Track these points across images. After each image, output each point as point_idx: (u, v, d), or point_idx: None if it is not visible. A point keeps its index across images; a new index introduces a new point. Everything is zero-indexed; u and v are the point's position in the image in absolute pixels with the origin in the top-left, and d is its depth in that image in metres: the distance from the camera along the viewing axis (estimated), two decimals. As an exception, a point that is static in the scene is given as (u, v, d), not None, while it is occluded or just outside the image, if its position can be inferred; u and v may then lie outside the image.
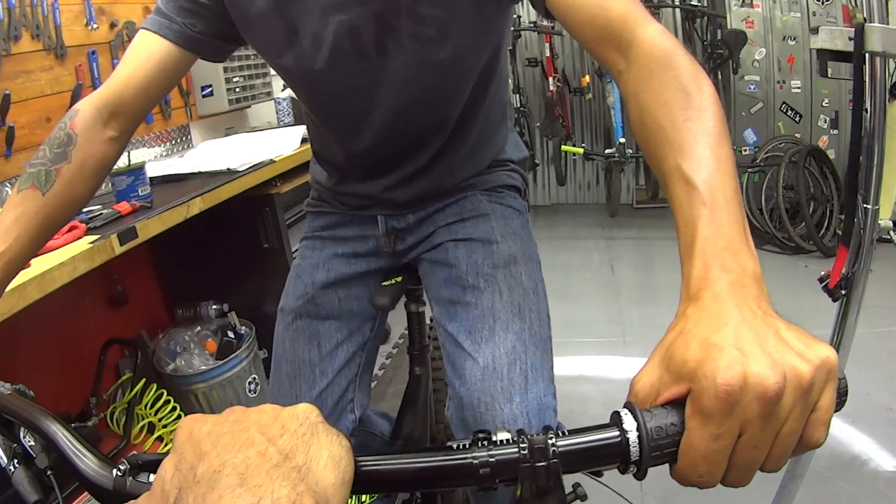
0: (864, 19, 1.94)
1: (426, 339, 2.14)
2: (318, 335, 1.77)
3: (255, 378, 3.36)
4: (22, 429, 1.00)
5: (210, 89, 3.97)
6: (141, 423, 3.04)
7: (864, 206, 2.09)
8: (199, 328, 3.37)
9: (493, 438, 0.69)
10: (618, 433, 0.66)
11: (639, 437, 0.65)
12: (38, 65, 3.01)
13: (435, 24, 1.41)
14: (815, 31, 2.11)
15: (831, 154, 6.40)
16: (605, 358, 4.34)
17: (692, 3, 6.54)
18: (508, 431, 0.70)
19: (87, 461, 0.79)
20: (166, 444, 3.05)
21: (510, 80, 6.64)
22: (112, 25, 3.41)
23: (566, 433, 0.68)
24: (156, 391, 3.10)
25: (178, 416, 3.14)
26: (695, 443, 0.64)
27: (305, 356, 1.76)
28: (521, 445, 0.67)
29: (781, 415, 0.63)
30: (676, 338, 0.70)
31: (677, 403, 0.67)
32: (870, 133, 2.03)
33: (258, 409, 0.63)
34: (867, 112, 2.04)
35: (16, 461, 0.98)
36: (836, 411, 0.67)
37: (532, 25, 6.64)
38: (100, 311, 3.26)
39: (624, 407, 0.68)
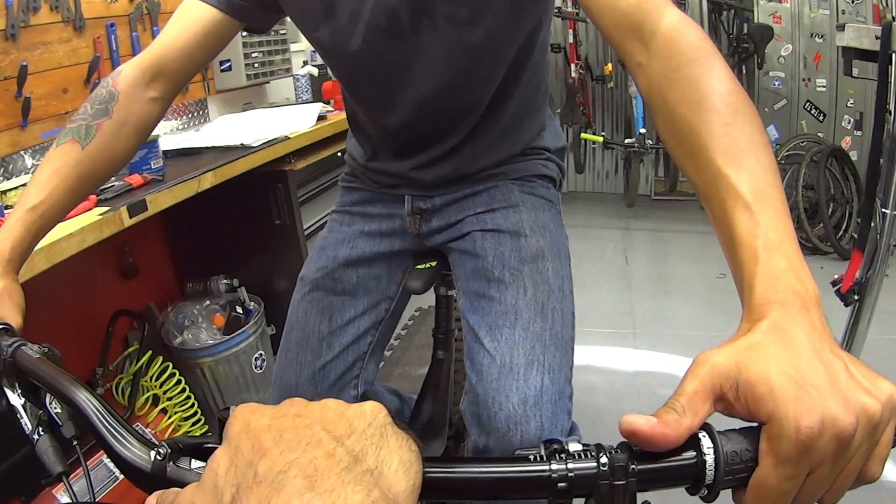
0: (893, 18, 1.91)
1: (452, 324, 2.13)
2: (331, 308, 1.79)
3: (261, 354, 3.37)
4: (47, 394, 0.97)
5: (228, 64, 3.96)
6: (146, 395, 3.05)
7: (883, 210, 2.06)
8: (207, 302, 3.37)
9: (569, 450, 0.67)
10: (695, 455, 0.65)
11: (715, 461, 0.64)
12: (56, 36, 3.00)
13: (469, 5, 1.40)
14: (841, 28, 2.09)
15: (854, 155, 6.35)
16: (614, 349, 4.33)
17: (719, -5, 6.50)
18: (579, 442, 0.68)
19: (122, 440, 0.75)
20: (170, 417, 3.07)
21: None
22: (131, -1, 3.40)
23: (641, 451, 0.66)
24: (161, 363, 3.12)
25: (183, 390, 3.17)
26: (767, 481, 0.63)
27: (315, 327, 1.78)
28: (601, 461, 0.65)
29: (850, 453, 0.63)
30: (754, 349, 0.68)
31: (752, 429, 0.66)
32: (892, 136, 2.00)
33: (321, 405, 0.60)
34: (890, 114, 2.01)
35: (41, 429, 0.95)
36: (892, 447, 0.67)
37: (556, 11, 6.60)
38: (110, 282, 3.26)
39: (701, 429, 0.67)
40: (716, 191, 0.85)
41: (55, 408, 0.97)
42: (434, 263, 1.87)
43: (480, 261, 1.66)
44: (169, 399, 3.10)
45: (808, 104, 6.93)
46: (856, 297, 2.17)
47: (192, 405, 3.20)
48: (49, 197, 1.27)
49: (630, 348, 4.32)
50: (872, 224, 2.12)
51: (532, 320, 1.53)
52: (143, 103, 1.45)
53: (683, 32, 1.01)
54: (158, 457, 0.70)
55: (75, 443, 0.96)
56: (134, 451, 0.73)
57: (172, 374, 3.15)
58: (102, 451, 0.76)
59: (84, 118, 1.37)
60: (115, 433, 0.76)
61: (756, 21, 6.56)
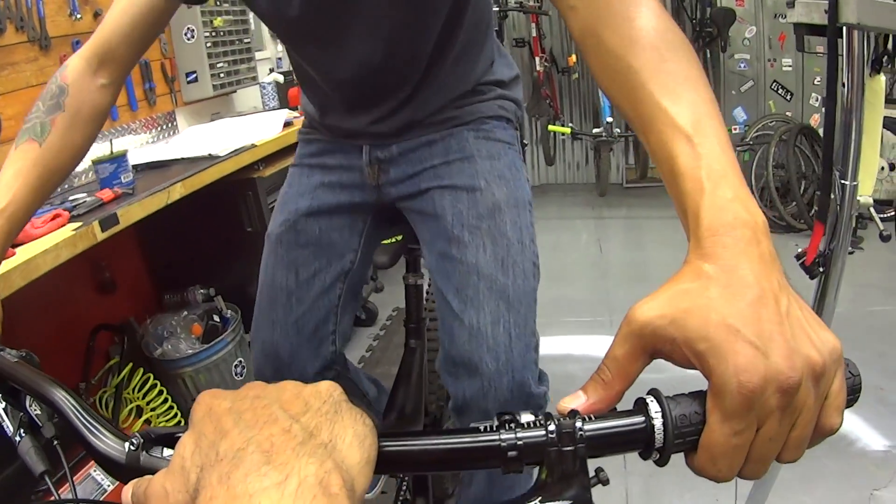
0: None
1: (423, 312, 2.18)
2: (296, 262, 1.80)
3: (241, 361, 3.40)
4: (28, 397, 0.98)
5: (195, 75, 3.99)
6: (129, 407, 3.07)
7: (842, 181, 2.09)
8: (185, 313, 3.39)
9: (520, 420, 0.68)
10: (643, 419, 0.66)
11: (664, 423, 0.65)
12: (23, 56, 3.02)
13: None
14: (791, 4, 2.11)
15: (822, 132, 6.40)
16: (592, 337, 4.36)
17: (681, -20, 6.53)
18: (533, 413, 0.68)
19: (98, 434, 0.77)
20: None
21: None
22: (96, 15, 3.41)
23: (592, 418, 0.67)
24: (142, 375, 3.13)
25: (166, 400, 3.18)
26: (715, 438, 0.63)
27: (283, 282, 1.80)
28: (549, 429, 0.66)
29: (798, 405, 0.63)
30: (695, 298, 0.66)
31: (700, 392, 0.67)
32: (847, 108, 2.03)
33: (278, 387, 0.62)
34: (844, 86, 2.04)
35: (22, 430, 0.96)
36: (848, 406, 0.68)
37: (518, 5, 6.61)
38: (89, 297, 3.29)
39: (648, 393, 0.68)
40: (655, 124, 0.83)
41: (35, 410, 0.98)
42: (399, 237, 1.89)
43: (440, 220, 1.69)
44: (152, 410, 3.12)
45: (774, 84, 6.98)
46: (821, 269, 2.19)
47: (176, 415, 3.21)
48: (14, 199, 1.27)
49: (607, 336, 4.21)
50: (833, 196, 2.15)
51: (494, 278, 1.58)
52: (94, 91, 1.45)
53: None
54: (132, 447, 0.72)
55: (56, 443, 0.96)
56: (108, 444, 0.75)
57: (154, 385, 3.16)
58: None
59: (38, 116, 1.38)
60: (91, 427, 0.78)
61: (718, 4, 6.60)
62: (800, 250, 2.21)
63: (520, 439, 0.66)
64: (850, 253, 2.25)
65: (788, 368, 0.61)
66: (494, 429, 0.68)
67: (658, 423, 0.65)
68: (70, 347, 3.03)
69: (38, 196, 1.33)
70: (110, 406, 3.01)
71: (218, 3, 4.05)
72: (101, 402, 3.04)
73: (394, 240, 1.89)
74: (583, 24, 0.98)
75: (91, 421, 0.78)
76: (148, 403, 3.12)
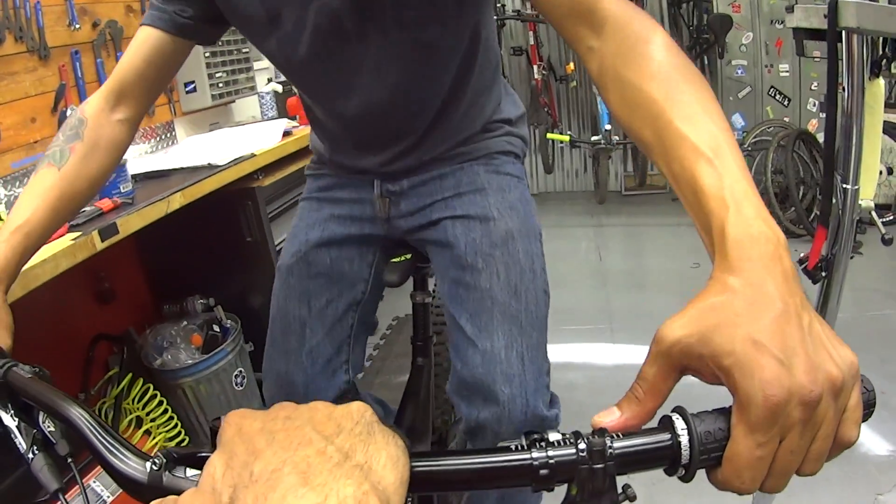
0: (836, -5, 1.95)
1: (430, 331, 2.17)
2: (308, 293, 1.83)
3: (241, 371, 3.39)
4: (41, 413, 0.97)
5: (193, 85, 3.99)
6: (129, 418, 3.06)
7: (844, 186, 2.09)
8: (185, 323, 3.39)
9: (548, 439, 0.69)
10: (669, 437, 0.68)
11: (689, 440, 0.67)
12: (22, 66, 3.03)
13: (415, 7, 1.44)
14: (790, 9, 2.12)
15: (821, 138, 6.39)
16: (593, 345, 4.37)
17: (677, -12, 6.55)
18: (559, 432, 0.70)
19: (118, 453, 0.76)
20: (154, 438, 3.07)
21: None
22: (94, 25, 3.42)
23: (620, 435, 0.69)
24: (142, 386, 3.13)
25: (166, 410, 3.17)
26: (740, 450, 0.65)
27: (296, 313, 1.82)
28: (580, 447, 0.67)
29: (818, 419, 0.65)
30: (721, 313, 0.69)
31: (724, 409, 0.69)
32: (847, 112, 2.03)
33: (309, 407, 0.63)
34: (844, 90, 2.04)
35: (35, 447, 0.95)
36: (864, 420, 0.70)
37: (516, 14, 6.63)
38: (88, 308, 3.28)
39: (673, 411, 0.70)
40: (677, 150, 0.86)
41: (48, 426, 0.97)
42: (409, 256, 1.91)
43: (454, 249, 1.71)
44: (152, 420, 3.11)
45: (772, 90, 6.99)
46: (823, 274, 2.19)
47: (176, 425, 3.20)
48: (33, 217, 1.30)
49: (608, 343, 4.35)
50: (834, 200, 2.15)
51: (507, 304, 1.61)
52: (111, 125, 1.50)
53: (632, 15, 1.04)
54: (154, 467, 0.72)
55: (70, 460, 0.95)
56: (130, 464, 0.75)
57: (154, 396, 3.15)
58: (98, 469, 0.77)
59: (58, 144, 1.43)
60: (110, 446, 0.77)
61: (715, 11, 6.61)
62: (802, 255, 2.21)
63: (551, 458, 0.67)
64: (851, 258, 2.25)
65: (810, 383, 0.64)
66: (525, 447, 0.69)
67: (684, 440, 0.67)
68: (69, 357, 3.03)
69: (55, 218, 1.37)
70: (110, 417, 3.00)
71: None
72: (101, 412, 3.03)
73: (402, 258, 1.91)
74: (601, 62, 1.05)
75: (110, 440, 0.78)
76: (148, 414, 3.11)
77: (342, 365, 1.86)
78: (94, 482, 2.44)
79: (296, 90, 1.82)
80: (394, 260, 1.92)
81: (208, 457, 0.58)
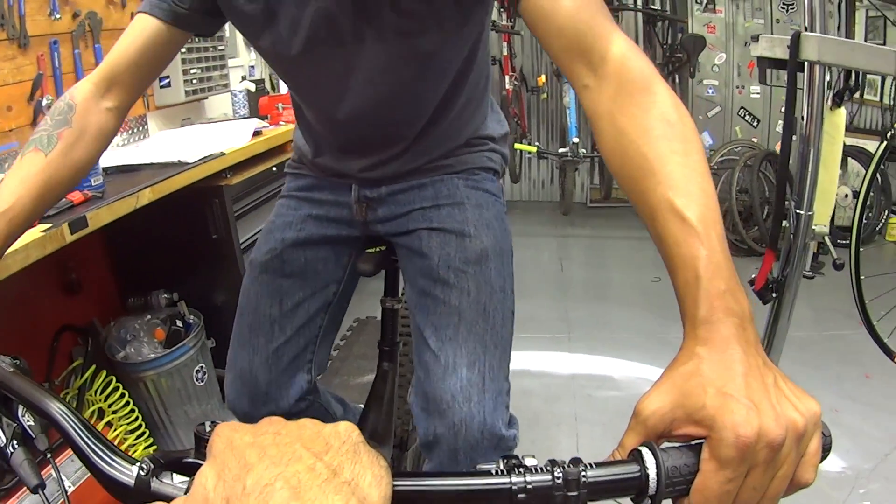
0: (805, 28, 2.01)
1: (397, 336, 2.19)
2: (280, 291, 1.84)
3: (202, 367, 3.40)
4: (21, 407, 0.96)
5: (168, 80, 3.99)
6: (91, 409, 3.06)
7: (797, 211, 2.15)
8: (148, 317, 3.39)
9: (525, 464, 0.73)
10: (638, 469, 0.73)
11: (657, 474, 0.72)
12: (1, 54, 3.02)
13: (416, 17, 1.44)
14: (755, 38, 2.18)
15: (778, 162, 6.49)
16: (550, 354, 4.42)
17: (653, 6, 6.61)
18: (533, 457, 0.74)
19: (103, 455, 0.76)
20: (115, 430, 3.07)
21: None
22: (75, 16, 3.41)
23: (594, 465, 0.73)
24: (105, 377, 3.12)
25: (127, 403, 3.18)
26: (709, 484, 0.71)
27: (266, 310, 1.83)
28: (556, 475, 0.71)
29: (780, 460, 0.72)
30: (691, 378, 0.77)
31: (692, 446, 0.75)
32: (805, 139, 2.09)
33: (298, 424, 0.64)
34: (803, 118, 2.10)
35: (14, 442, 0.94)
36: (820, 461, 0.77)
37: (492, 24, 6.65)
38: (54, 298, 3.27)
39: (643, 445, 0.75)
40: (661, 213, 0.90)
41: (28, 421, 0.96)
42: (383, 248, 1.92)
43: (427, 260, 1.72)
44: (114, 412, 3.10)
45: (742, 111, 7.11)
46: (774, 295, 2.25)
47: (137, 418, 3.20)
48: (17, 203, 1.29)
49: (565, 352, 4.41)
50: (786, 224, 2.21)
51: (474, 322, 1.64)
52: (100, 113, 1.49)
53: (633, 60, 1.06)
54: (142, 472, 0.72)
55: (49, 455, 0.96)
56: (117, 467, 0.75)
57: (116, 388, 3.15)
58: (80, 465, 0.77)
59: (45, 129, 1.41)
60: (96, 448, 0.78)
61: (690, 31, 6.68)
62: (752, 276, 2.26)
63: (529, 483, 0.71)
64: (811, 277, 2.31)
65: (777, 426, 0.71)
66: (505, 472, 0.72)
67: (652, 473, 0.73)
68: (34, 347, 3.02)
69: (39, 204, 1.36)
70: (72, 407, 3.00)
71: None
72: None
73: (377, 249, 1.93)
74: (596, 104, 1.07)
75: (95, 441, 0.78)
76: (110, 406, 3.10)
77: (305, 365, 1.89)
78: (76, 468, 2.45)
79: (286, 88, 1.82)
80: (368, 250, 1.93)
81: (195, 463, 0.62)
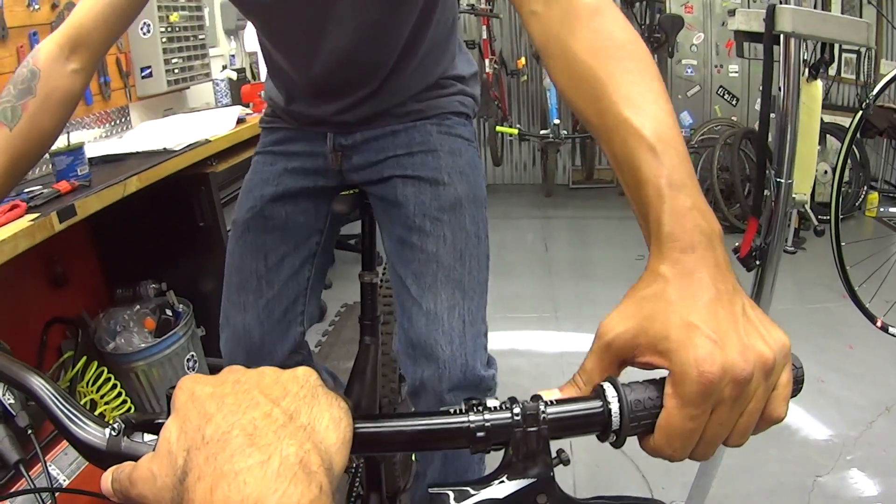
0: (780, 1, 2.03)
1: (378, 310, 2.20)
2: (264, 247, 1.85)
3: (193, 355, 3.41)
4: (1, 386, 0.97)
5: (149, 70, 3.99)
6: (83, 401, 3.05)
7: (777, 179, 2.17)
8: (138, 307, 3.40)
9: (486, 404, 0.72)
10: (601, 404, 0.71)
11: (620, 408, 0.70)
12: (-21, 46, 2.99)
13: None
14: (732, 13, 2.20)
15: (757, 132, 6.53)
16: (537, 332, 4.46)
17: (631, -13, 6.62)
18: (497, 398, 0.72)
19: (77, 420, 0.75)
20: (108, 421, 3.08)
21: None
22: (53, 6, 3.40)
23: (554, 402, 0.71)
24: (96, 369, 3.13)
25: (119, 394, 3.18)
26: (673, 421, 0.69)
27: (252, 267, 1.84)
28: (514, 411, 0.70)
29: (748, 395, 0.69)
30: (657, 301, 0.73)
31: (655, 381, 0.72)
32: (783, 111, 2.11)
33: (257, 372, 0.65)
34: (780, 90, 2.12)
35: None
36: (792, 396, 0.73)
37: (470, 8, 6.68)
38: (42, 291, 3.28)
39: (605, 380, 0.72)
40: (618, 133, 0.85)
41: (8, 399, 0.97)
42: (357, 191, 1.93)
43: (402, 209, 1.75)
44: (106, 403, 3.11)
45: (720, 90, 7.14)
46: (757, 263, 2.27)
47: (129, 409, 3.20)
48: None
49: (552, 331, 4.45)
50: (767, 192, 2.23)
51: (452, 267, 1.69)
52: (66, 77, 1.43)
53: None
54: (113, 433, 0.72)
55: (30, 431, 0.96)
56: (89, 430, 0.74)
57: (108, 379, 3.15)
58: (63, 442, 0.77)
59: (8, 100, 1.36)
60: (70, 414, 0.76)
61: (668, 11, 6.70)
62: (736, 244, 2.29)
63: (487, 421, 0.70)
64: (793, 252, 2.33)
65: (743, 361, 0.67)
66: (463, 412, 0.72)
67: (615, 407, 0.70)
68: (23, 341, 3.04)
69: (7, 181, 1.34)
70: (64, 399, 3.00)
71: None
72: (55, 395, 3.02)
73: (351, 192, 1.93)
74: (545, 29, 1.01)
75: (70, 408, 0.78)
76: (102, 397, 3.11)
77: (298, 317, 1.90)
78: (51, 465, 2.45)
79: (258, 37, 1.80)
80: (343, 193, 1.94)
81: (165, 423, 0.62)
